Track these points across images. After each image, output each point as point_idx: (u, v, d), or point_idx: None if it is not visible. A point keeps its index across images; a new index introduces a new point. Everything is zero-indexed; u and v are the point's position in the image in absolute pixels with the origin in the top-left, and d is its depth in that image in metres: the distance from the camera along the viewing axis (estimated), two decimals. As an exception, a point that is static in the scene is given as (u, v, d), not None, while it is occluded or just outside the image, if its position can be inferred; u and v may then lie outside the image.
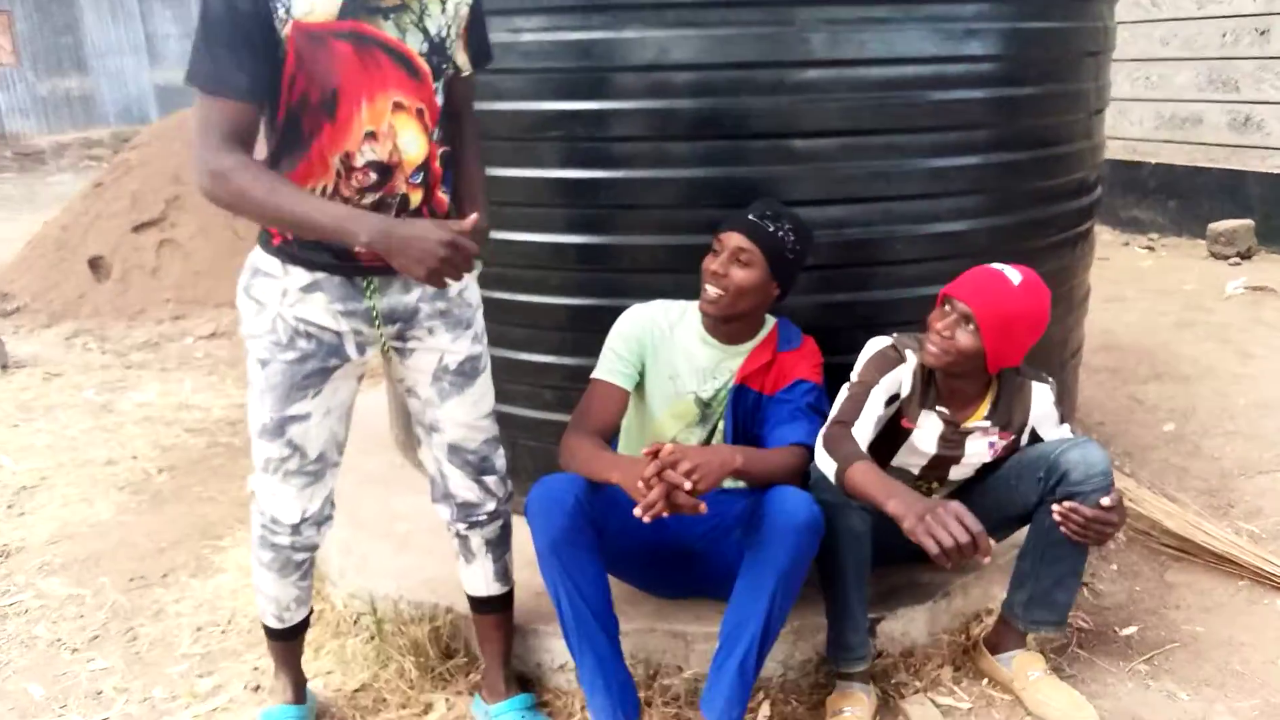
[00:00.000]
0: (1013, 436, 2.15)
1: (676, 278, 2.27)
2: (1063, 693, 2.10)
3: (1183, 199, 6.85)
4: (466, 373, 1.93)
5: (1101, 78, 2.87)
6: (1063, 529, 2.01)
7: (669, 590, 2.26)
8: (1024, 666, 2.15)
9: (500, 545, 2.10)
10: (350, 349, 1.83)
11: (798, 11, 2.23)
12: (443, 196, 1.83)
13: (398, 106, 1.69)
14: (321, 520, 1.95)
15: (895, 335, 2.13)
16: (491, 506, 2.04)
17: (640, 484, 1.78)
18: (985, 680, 2.23)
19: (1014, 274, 2.01)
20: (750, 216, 2.06)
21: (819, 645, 2.20)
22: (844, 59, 2.26)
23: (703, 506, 1.79)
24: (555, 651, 2.20)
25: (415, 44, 1.69)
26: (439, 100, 1.77)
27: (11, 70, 14.04)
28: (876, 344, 2.12)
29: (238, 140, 1.60)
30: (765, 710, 2.13)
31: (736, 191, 2.25)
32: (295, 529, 1.92)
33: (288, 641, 2.10)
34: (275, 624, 2.07)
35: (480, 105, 2.45)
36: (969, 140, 2.44)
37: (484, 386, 1.99)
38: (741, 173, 2.30)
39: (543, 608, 2.12)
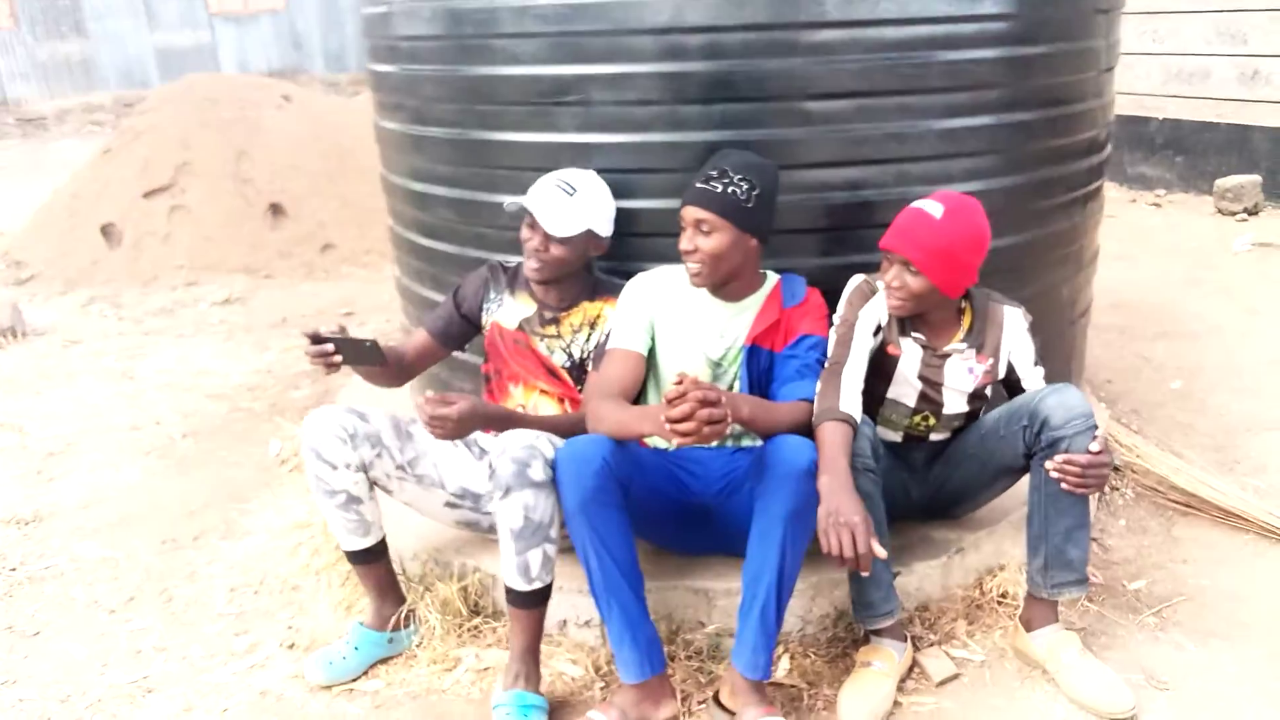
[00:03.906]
0: (990, 360, 2.20)
1: (693, 242, 2.31)
2: (1096, 677, 2.07)
3: (1190, 154, 6.83)
4: None
5: (1112, 35, 2.87)
6: (1064, 485, 2.04)
7: (690, 547, 2.32)
8: (1056, 648, 2.12)
9: (521, 539, 1.98)
10: None
11: (812, -27, 2.24)
12: None
13: (543, 391, 2.31)
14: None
15: (867, 275, 2.21)
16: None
17: (665, 411, 1.78)
18: (998, 633, 2.29)
19: (935, 206, 2.08)
20: (697, 185, 2.08)
21: (836, 600, 2.26)
22: (858, 20, 2.27)
23: (729, 416, 1.80)
24: (581, 608, 2.26)
25: (560, 360, 2.30)
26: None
27: (10, 34, 13.91)
28: (853, 282, 2.20)
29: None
30: (785, 664, 2.20)
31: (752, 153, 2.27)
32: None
33: (355, 565, 2.29)
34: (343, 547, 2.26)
35: (495, 70, 2.48)
36: (981, 100, 2.46)
37: None
38: (756, 135, 2.32)
39: (566, 565, 2.17)
